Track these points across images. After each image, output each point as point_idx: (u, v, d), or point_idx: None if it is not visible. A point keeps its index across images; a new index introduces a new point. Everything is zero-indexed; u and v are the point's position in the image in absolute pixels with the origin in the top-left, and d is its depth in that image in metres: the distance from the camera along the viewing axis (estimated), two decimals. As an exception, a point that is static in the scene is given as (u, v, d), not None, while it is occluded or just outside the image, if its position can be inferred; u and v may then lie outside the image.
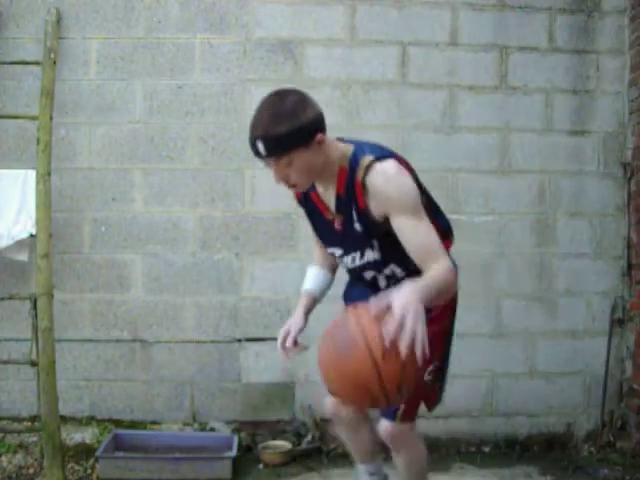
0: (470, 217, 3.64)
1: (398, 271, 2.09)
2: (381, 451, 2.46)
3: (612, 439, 3.63)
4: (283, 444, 3.47)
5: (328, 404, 2.28)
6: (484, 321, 3.65)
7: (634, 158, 3.66)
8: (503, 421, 3.65)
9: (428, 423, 3.58)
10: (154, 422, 3.52)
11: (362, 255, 2.08)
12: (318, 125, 1.89)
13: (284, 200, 3.54)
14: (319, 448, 3.51)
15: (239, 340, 3.53)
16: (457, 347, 3.59)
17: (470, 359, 3.62)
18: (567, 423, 3.68)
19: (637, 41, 3.62)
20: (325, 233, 2.14)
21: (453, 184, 3.63)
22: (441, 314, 2.12)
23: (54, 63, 3.35)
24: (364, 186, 1.91)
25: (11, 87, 3.46)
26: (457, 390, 3.62)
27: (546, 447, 3.63)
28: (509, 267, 3.66)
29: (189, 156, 3.54)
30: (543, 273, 3.68)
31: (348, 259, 2.12)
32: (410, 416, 2.15)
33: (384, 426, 2.15)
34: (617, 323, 3.69)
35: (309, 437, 3.51)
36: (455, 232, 3.58)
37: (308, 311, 2.20)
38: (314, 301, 2.24)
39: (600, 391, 3.67)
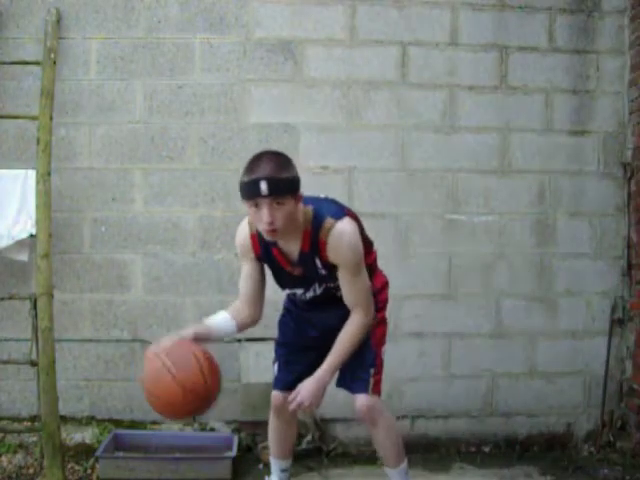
0: (470, 217, 3.64)
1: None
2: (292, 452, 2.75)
3: (612, 439, 3.63)
4: (283, 444, 3.47)
5: (276, 396, 2.55)
6: (484, 321, 3.64)
7: (634, 158, 3.66)
8: (503, 421, 3.65)
9: (428, 423, 3.59)
10: (154, 422, 3.51)
11: (320, 285, 2.41)
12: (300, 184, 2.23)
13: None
14: (319, 448, 3.51)
15: (239, 340, 3.53)
16: (457, 347, 3.64)
17: (470, 359, 3.63)
18: (567, 423, 3.68)
19: (637, 41, 3.62)
20: (284, 279, 2.44)
21: (453, 184, 3.63)
22: (380, 322, 2.53)
23: (54, 63, 3.35)
24: (327, 243, 2.26)
25: (11, 87, 3.46)
26: (457, 390, 3.63)
27: (546, 447, 3.63)
28: (509, 267, 3.66)
29: (189, 156, 3.55)
30: (543, 273, 3.68)
31: (309, 293, 2.44)
32: (378, 389, 2.48)
33: (361, 400, 2.42)
34: (617, 323, 3.69)
35: (309, 437, 3.51)
36: (455, 232, 3.64)
37: (197, 334, 2.26)
38: (207, 333, 2.33)
39: (600, 391, 3.67)
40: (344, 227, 2.26)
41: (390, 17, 3.60)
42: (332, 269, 2.33)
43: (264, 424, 3.51)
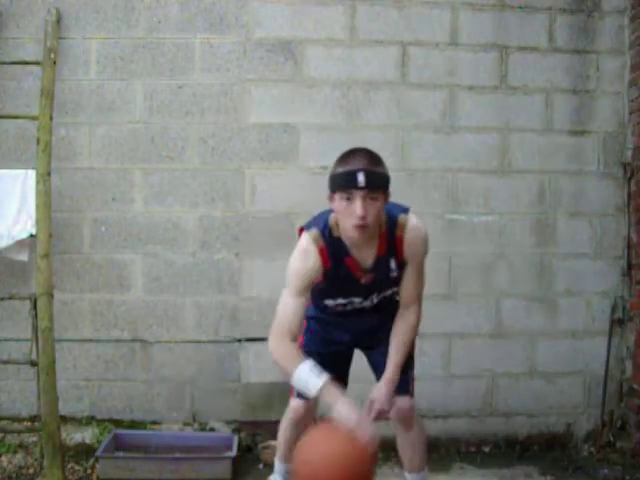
0: (470, 217, 3.64)
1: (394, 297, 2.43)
2: None
3: (612, 439, 3.63)
4: (283, 444, 3.47)
5: (297, 407, 2.46)
6: (484, 321, 3.64)
7: (634, 158, 3.65)
8: (503, 421, 3.65)
9: (428, 423, 3.57)
10: (154, 422, 3.52)
11: (379, 294, 2.37)
12: None
13: (284, 200, 3.57)
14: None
15: (239, 340, 3.53)
16: (457, 347, 3.63)
17: (470, 359, 3.63)
18: (567, 423, 3.68)
19: (637, 41, 3.62)
20: (344, 288, 2.33)
21: (453, 184, 3.63)
22: None
23: (54, 63, 3.35)
24: (404, 239, 2.25)
25: (11, 87, 3.46)
26: (457, 390, 3.63)
27: (546, 447, 3.63)
28: (509, 267, 3.66)
29: (189, 156, 3.54)
30: (543, 273, 3.68)
31: (366, 302, 2.38)
32: (413, 392, 2.47)
33: (405, 401, 2.39)
34: (617, 323, 3.69)
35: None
36: (455, 232, 3.64)
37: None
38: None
39: (600, 391, 3.67)
40: (417, 221, 2.28)
41: (390, 17, 3.60)
42: (403, 269, 2.31)
43: (264, 424, 3.54)
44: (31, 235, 3.28)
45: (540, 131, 3.67)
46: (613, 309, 3.69)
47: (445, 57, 3.62)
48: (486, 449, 3.63)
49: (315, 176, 3.49)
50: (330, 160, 3.52)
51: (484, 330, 3.65)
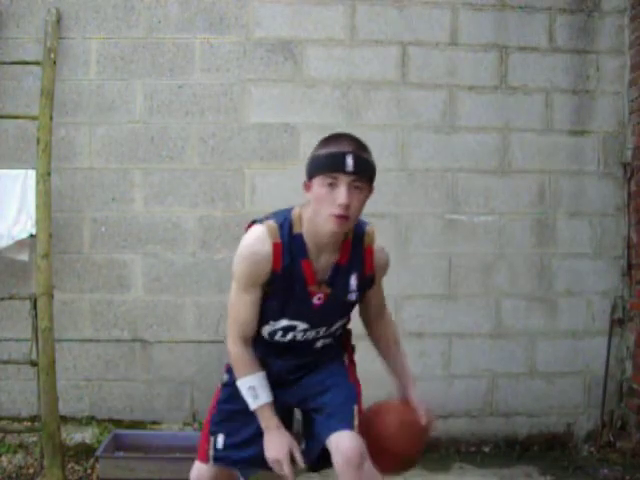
0: (470, 217, 3.64)
1: (338, 332, 2.14)
2: None
3: (612, 439, 3.63)
4: (283, 444, 3.46)
5: (207, 473, 2.09)
6: (484, 321, 3.64)
7: (634, 158, 3.66)
8: (503, 421, 3.65)
9: (428, 423, 3.58)
10: (154, 422, 3.52)
11: (329, 327, 2.04)
12: None
13: (284, 200, 3.55)
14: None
15: (239, 340, 3.53)
16: (457, 347, 3.64)
17: (470, 359, 3.63)
18: (567, 423, 3.68)
19: (637, 41, 3.62)
20: (296, 305, 1.97)
21: (453, 184, 3.63)
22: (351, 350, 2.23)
23: (54, 63, 3.35)
24: (374, 251, 2.00)
25: (11, 87, 3.46)
26: (457, 390, 3.63)
27: (546, 447, 3.63)
28: (509, 267, 3.66)
29: (189, 156, 3.55)
30: (543, 273, 3.68)
31: (311, 333, 2.02)
32: (360, 425, 2.00)
33: (344, 437, 1.90)
34: (617, 323, 3.69)
35: (309, 437, 3.50)
36: (455, 232, 3.64)
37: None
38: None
39: (600, 391, 3.67)
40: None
41: (390, 17, 3.60)
42: (363, 292, 2.03)
43: (264, 424, 3.53)
44: (31, 235, 3.28)
45: (540, 131, 3.67)
46: (613, 309, 3.69)
47: (445, 57, 3.62)
48: (486, 449, 3.63)
49: (315, 176, 3.49)
50: (330, 160, 3.57)
51: (484, 330, 3.65)
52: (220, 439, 2.06)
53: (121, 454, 3.29)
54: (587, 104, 3.69)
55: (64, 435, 3.26)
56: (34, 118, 3.29)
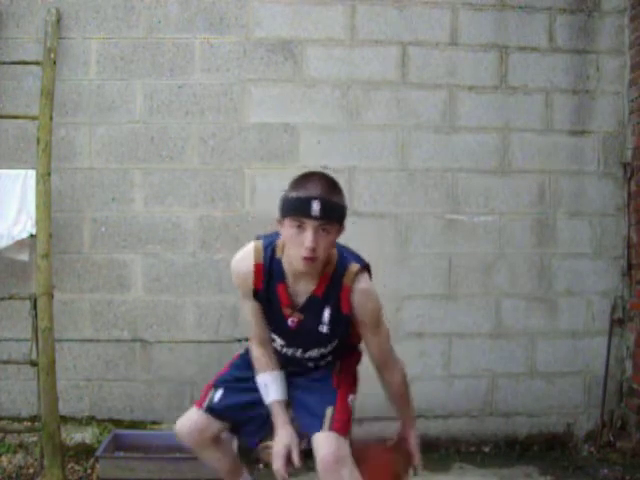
0: (470, 217, 3.64)
1: (330, 357, 2.22)
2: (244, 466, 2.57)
3: (612, 439, 3.63)
4: (283, 444, 3.46)
5: (200, 419, 2.23)
6: (484, 321, 3.65)
7: (634, 158, 3.66)
8: (503, 421, 3.65)
9: (428, 423, 3.59)
10: (154, 422, 3.52)
11: (305, 352, 2.17)
12: None
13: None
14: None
15: (239, 340, 3.52)
16: (457, 347, 3.64)
17: (470, 359, 3.63)
18: (567, 423, 3.68)
19: (637, 41, 3.62)
20: (275, 322, 2.15)
21: (453, 184, 3.63)
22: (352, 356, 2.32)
23: (54, 63, 3.35)
24: (352, 290, 2.02)
25: (11, 87, 3.46)
26: (457, 390, 3.63)
27: (546, 447, 3.64)
28: (509, 267, 3.66)
29: (189, 156, 3.54)
30: (543, 273, 3.68)
31: (288, 350, 2.19)
32: (342, 429, 2.08)
33: (321, 442, 2.02)
34: (617, 323, 3.69)
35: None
36: (455, 232, 3.64)
37: (290, 421, 2.15)
38: (288, 407, 2.19)
39: (600, 391, 3.67)
40: (367, 280, 2.06)
41: (390, 17, 3.60)
42: (337, 330, 2.09)
43: (264, 424, 3.54)
44: (31, 235, 3.28)
45: (540, 131, 3.67)
46: (613, 309, 3.69)
47: (445, 57, 3.62)
48: (486, 449, 3.63)
49: (315, 176, 3.49)
50: (330, 160, 3.58)
51: (484, 330, 3.65)
52: (219, 394, 2.24)
53: (121, 454, 3.29)
54: (587, 104, 3.69)
55: (64, 435, 3.26)
56: (34, 118, 3.29)
